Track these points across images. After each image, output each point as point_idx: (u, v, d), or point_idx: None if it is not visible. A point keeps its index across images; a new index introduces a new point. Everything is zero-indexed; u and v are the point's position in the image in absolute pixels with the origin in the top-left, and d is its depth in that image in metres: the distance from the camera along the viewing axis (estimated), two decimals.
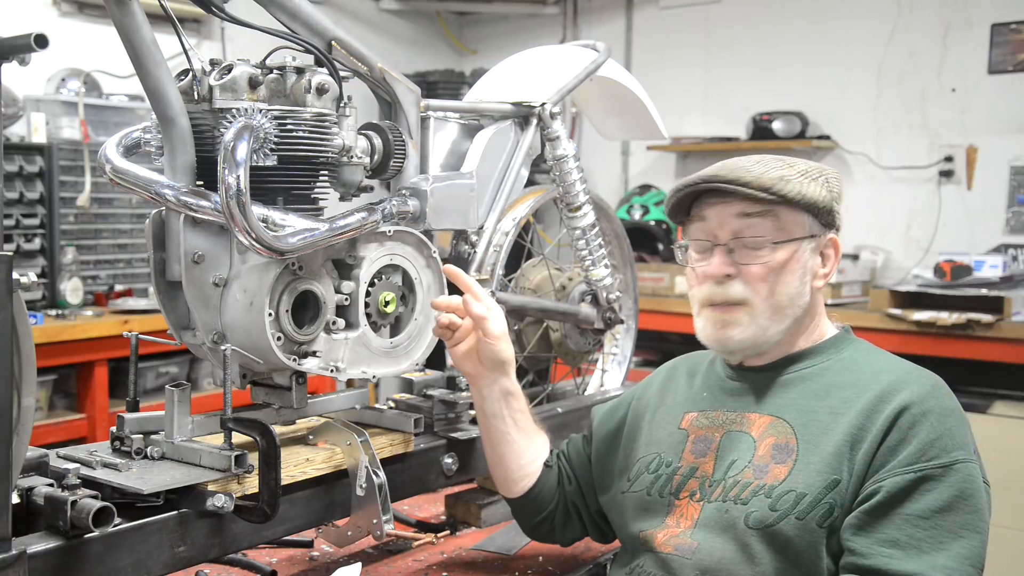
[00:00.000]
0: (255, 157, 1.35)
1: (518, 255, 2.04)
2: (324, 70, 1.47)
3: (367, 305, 1.54)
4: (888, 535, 1.22)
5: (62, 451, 1.41)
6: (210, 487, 1.32)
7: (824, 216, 1.42)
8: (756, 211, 1.39)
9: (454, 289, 1.73)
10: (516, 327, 2.07)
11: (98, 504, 1.17)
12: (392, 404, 1.79)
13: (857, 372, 1.39)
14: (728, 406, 1.46)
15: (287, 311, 1.42)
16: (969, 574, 1.21)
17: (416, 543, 1.79)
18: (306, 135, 1.43)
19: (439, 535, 1.82)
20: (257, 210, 1.35)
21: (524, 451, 1.60)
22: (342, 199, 1.59)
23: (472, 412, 1.77)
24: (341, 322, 1.50)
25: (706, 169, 1.42)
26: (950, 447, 1.26)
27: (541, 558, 1.74)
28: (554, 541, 1.67)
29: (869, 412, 1.31)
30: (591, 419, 1.69)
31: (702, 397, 1.51)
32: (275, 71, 1.44)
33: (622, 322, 2.12)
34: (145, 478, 1.30)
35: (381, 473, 1.49)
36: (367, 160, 1.55)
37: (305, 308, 1.47)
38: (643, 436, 1.55)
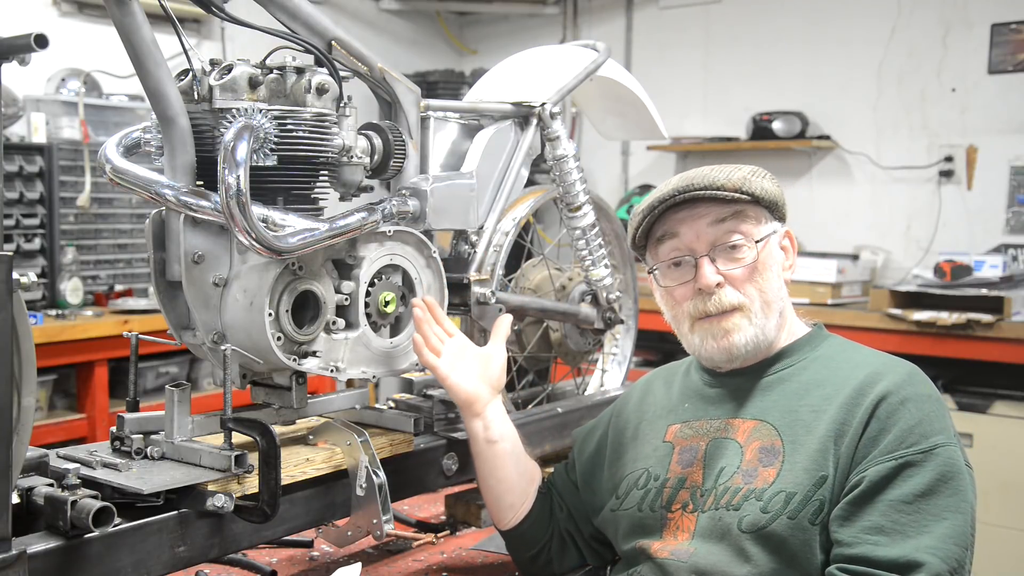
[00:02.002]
0: (255, 157, 1.35)
1: (518, 255, 2.04)
2: (324, 70, 1.47)
3: (367, 305, 1.54)
4: (873, 522, 1.24)
5: (62, 451, 1.41)
6: (210, 487, 1.32)
7: (779, 210, 1.46)
8: (728, 214, 1.41)
9: (453, 293, 1.73)
10: (516, 327, 2.07)
11: (98, 504, 1.17)
12: (392, 404, 1.79)
13: (834, 368, 1.40)
14: (711, 414, 1.46)
15: (287, 311, 1.42)
16: (954, 553, 1.21)
17: (416, 543, 1.79)
18: (306, 135, 1.43)
19: (439, 535, 1.82)
20: (257, 210, 1.35)
21: (525, 473, 1.59)
22: (342, 199, 1.59)
23: None
24: (341, 322, 1.50)
25: (668, 186, 1.43)
26: (930, 432, 1.27)
27: None
28: (551, 574, 1.63)
29: (849, 406, 1.32)
30: (572, 444, 1.69)
31: (683, 408, 1.51)
32: (275, 71, 1.44)
33: (622, 322, 2.12)
34: (145, 478, 1.30)
35: (381, 473, 1.49)
36: (367, 160, 1.55)
37: (305, 308, 1.47)
38: (628, 452, 1.55)
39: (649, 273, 1.51)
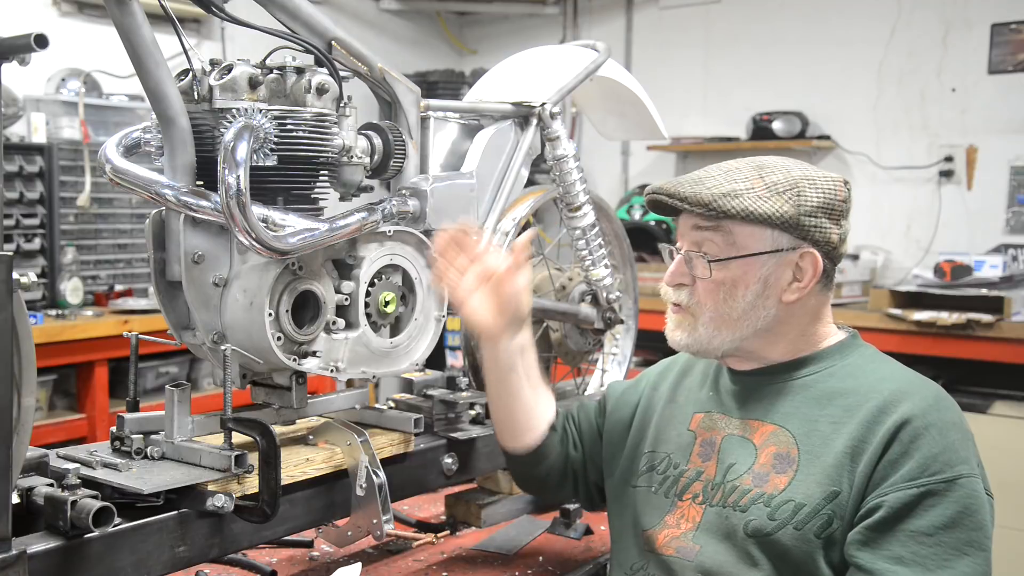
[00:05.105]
0: (255, 157, 1.34)
1: None
2: (324, 70, 1.47)
3: (367, 305, 1.54)
4: (893, 552, 1.22)
5: (62, 451, 1.41)
6: (210, 487, 1.32)
7: (799, 230, 1.36)
8: (707, 225, 1.39)
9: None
10: None
11: (98, 504, 1.17)
12: (392, 404, 1.79)
13: (859, 378, 1.38)
14: (733, 411, 1.45)
15: (287, 311, 1.42)
16: None
17: (416, 543, 1.79)
18: (306, 135, 1.43)
19: (439, 535, 1.82)
20: (257, 210, 1.35)
21: (534, 406, 1.58)
22: (342, 199, 1.59)
23: (472, 412, 1.77)
24: (341, 322, 1.50)
25: (667, 180, 1.44)
26: (953, 461, 1.25)
27: (541, 558, 1.74)
28: (543, 496, 1.70)
29: (870, 423, 1.30)
30: (606, 394, 1.68)
31: (708, 398, 1.51)
32: (275, 71, 1.44)
33: (622, 322, 2.12)
34: (145, 478, 1.30)
35: (381, 473, 1.49)
36: (367, 160, 1.55)
37: (305, 308, 1.46)
38: (652, 430, 1.54)
39: (664, 248, 1.52)
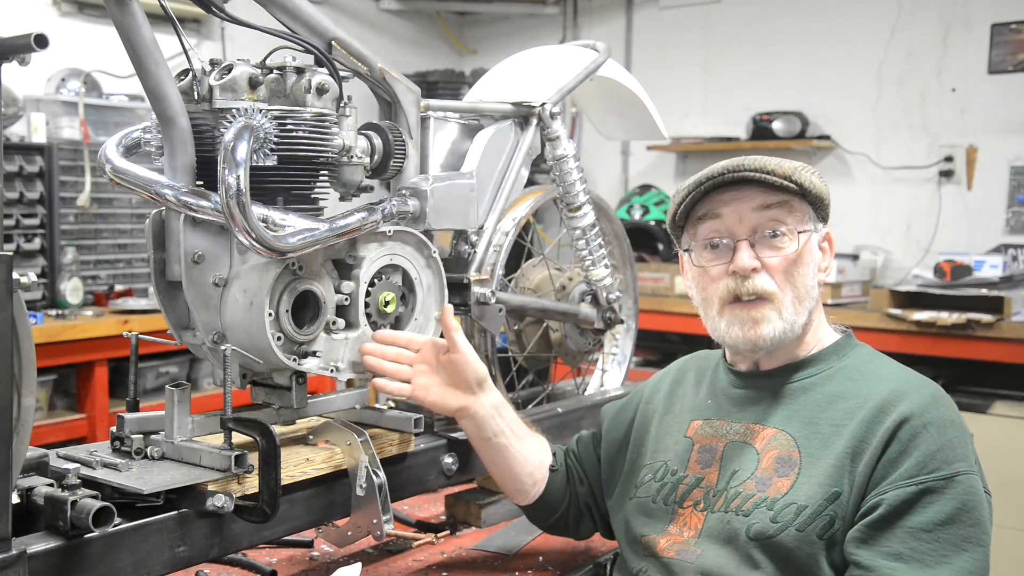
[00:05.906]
0: (255, 157, 1.34)
1: (518, 255, 2.04)
2: (324, 70, 1.47)
3: (367, 305, 1.54)
4: (891, 548, 1.22)
5: (62, 451, 1.41)
6: (210, 487, 1.32)
7: (823, 209, 1.43)
8: (775, 201, 1.39)
9: (453, 292, 1.72)
10: (516, 327, 2.07)
11: (98, 504, 1.16)
12: (392, 404, 1.79)
13: (858, 381, 1.38)
14: (733, 417, 1.45)
15: (287, 311, 1.42)
16: None
17: (416, 543, 1.79)
18: (306, 135, 1.43)
19: (439, 535, 1.82)
20: (257, 210, 1.35)
21: (529, 458, 1.60)
22: (342, 199, 1.59)
23: None
24: (341, 322, 1.50)
25: (716, 166, 1.40)
26: (951, 459, 1.25)
27: (541, 558, 1.74)
28: (572, 537, 1.70)
29: (870, 423, 1.30)
30: (600, 418, 1.69)
31: (707, 405, 1.50)
32: (275, 71, 1.44)
33: (622, 322, 2.12)
34: (145, 478, 1.30)
35: (381, 473, 1.49)
36: (367, 160, 1.55)
37: (305, 308, 1.46)
38: (650, 442, 1.55)
39: (684, 252, 1.48)
